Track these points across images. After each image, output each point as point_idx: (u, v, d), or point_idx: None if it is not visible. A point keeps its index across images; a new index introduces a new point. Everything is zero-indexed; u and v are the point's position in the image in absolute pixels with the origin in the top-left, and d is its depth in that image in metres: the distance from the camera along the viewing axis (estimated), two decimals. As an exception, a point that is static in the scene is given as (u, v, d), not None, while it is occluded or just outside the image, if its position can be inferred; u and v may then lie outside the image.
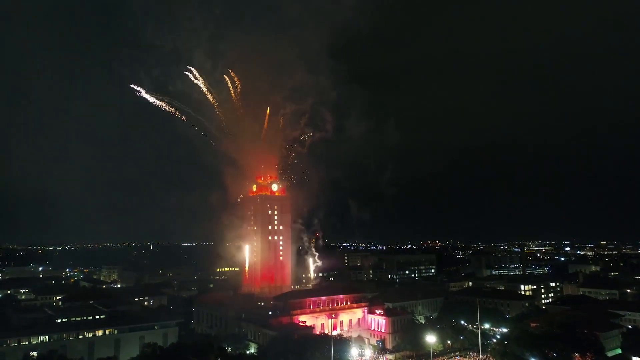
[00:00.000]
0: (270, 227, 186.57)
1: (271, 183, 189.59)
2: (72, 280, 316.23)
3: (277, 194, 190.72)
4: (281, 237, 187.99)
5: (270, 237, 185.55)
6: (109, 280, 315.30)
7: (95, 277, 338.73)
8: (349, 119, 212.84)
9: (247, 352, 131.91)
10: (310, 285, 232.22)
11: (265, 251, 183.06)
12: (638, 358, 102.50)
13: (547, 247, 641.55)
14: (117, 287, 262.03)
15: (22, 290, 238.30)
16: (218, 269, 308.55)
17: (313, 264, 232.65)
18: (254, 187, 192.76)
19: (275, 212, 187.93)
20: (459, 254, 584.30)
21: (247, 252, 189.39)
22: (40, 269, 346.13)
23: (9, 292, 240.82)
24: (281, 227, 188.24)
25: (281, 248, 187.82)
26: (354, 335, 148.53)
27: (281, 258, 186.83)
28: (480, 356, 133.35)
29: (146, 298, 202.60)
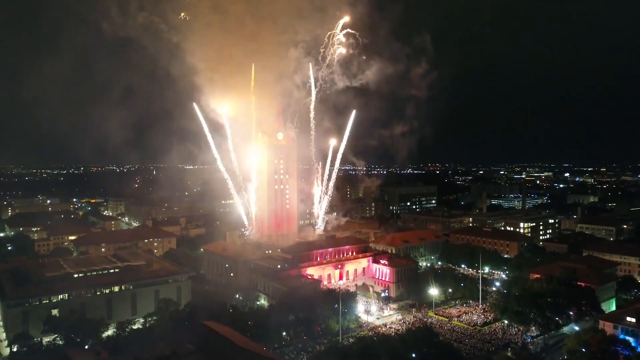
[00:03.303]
0: (276, 177, 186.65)
1: (277, 132, 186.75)
2: (80, 213, 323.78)
3: (282, 142, 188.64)
4: (287, 186, 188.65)
5: (276, 187, 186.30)
6: (116, 214, 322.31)
7: (102, 209, 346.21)
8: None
9: (258, 303, 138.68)
10: (313, 222, 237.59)
11: (272, 200, 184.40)
12: (632, 319, 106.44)
13: (546, 173, 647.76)
14: (125, 230, 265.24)
15: (34, 229, 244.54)
16: (223, 201, 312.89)
17: (316, 201, 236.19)
18: (259, 136, 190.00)
19: (281, 161, 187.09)
20: (459, 180, 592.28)
21: (254, 200, 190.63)
22: (49, 201, 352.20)
23: (20, 229, 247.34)
24: (287, 176, 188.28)
25: (287, 197, 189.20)
26: (359, 283, 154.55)
27: (288, 206, 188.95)
28: (481, 305, 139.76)
29: (155, 239, 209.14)
